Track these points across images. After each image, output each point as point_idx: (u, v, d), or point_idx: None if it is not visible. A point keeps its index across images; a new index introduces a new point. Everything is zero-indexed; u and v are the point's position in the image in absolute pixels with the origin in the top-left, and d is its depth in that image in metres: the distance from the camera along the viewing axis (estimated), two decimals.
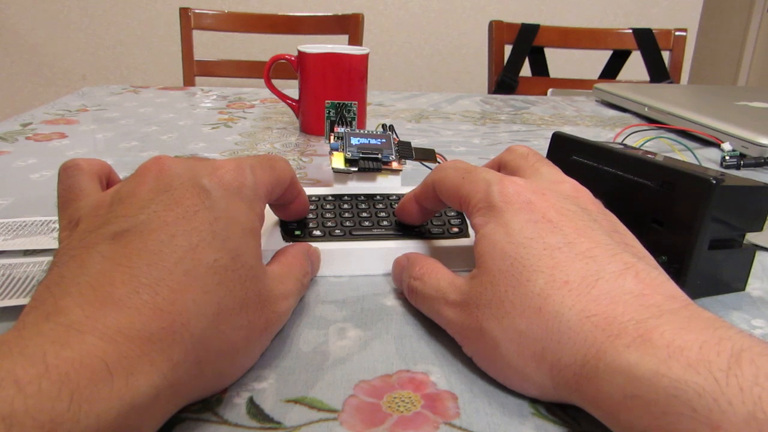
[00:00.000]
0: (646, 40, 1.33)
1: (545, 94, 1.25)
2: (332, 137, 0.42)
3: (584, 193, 0.28)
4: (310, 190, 0.39)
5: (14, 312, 0.28)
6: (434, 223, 0.36)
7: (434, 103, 0.89)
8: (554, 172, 0.29)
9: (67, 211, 0.25)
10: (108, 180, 0.28)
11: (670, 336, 0.19)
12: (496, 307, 0.24)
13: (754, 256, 0.33)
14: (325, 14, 1.39)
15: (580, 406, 0.22)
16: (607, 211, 0.27)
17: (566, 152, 0.37)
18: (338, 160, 0.40)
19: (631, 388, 0.19)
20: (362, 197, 0.39)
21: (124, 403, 0.17)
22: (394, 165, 0.40)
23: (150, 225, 0.21)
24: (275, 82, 0.69)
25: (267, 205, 0.31)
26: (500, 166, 0.32)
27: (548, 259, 0.23)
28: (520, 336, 0.23)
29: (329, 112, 0.50)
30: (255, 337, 0.24)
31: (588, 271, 0.23)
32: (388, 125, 0.44)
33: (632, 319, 0.21)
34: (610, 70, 1.38)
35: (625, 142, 0.62)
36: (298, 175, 0.51)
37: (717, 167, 0.59)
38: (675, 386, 0.18)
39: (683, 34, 1.35)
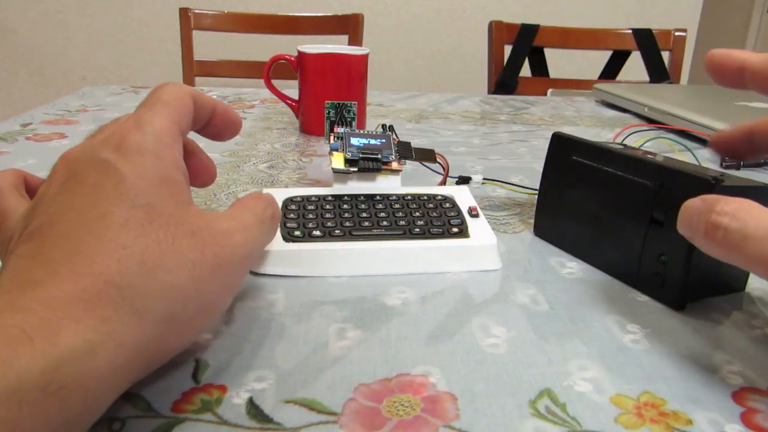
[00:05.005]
0: (646, 41, 1.33)
1: (545, 95, 1.25)
2: (332, 137, 0.42)
3: None
4: (310, 191, 0.39)
5: None
6: (434, 223, 0.36)
7: (434, 103, 0.89)
8: None
9: None
10: (27, 184, 0.28)
11: None
12: None
13: None
14: (325, 14, 1.39)
15: None
16: None
17: (566, 152, 0.37)
18: (338, 161, 0.40)
19: None
20: (362, 197, 0.39)
21: (50, 358, 0.17)
22: (394, 165, 0.40)
23: (59, 212, 0.22)
24: (275, 82, 0.69)
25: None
26: None
27: None
28: None
29: (329, 112, 0.50)
30: (205, 275, 0.23)
31: None
32: (387, 125, 0.44)
33: None
34: (610, 71, 1.38)
35: (625, 142, 0.62)
36: (297, 176, 0.51)
37: (717, 167, 0.59)
38: None
39: (683, 34, 1.35)
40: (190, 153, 0.29)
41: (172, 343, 0.23)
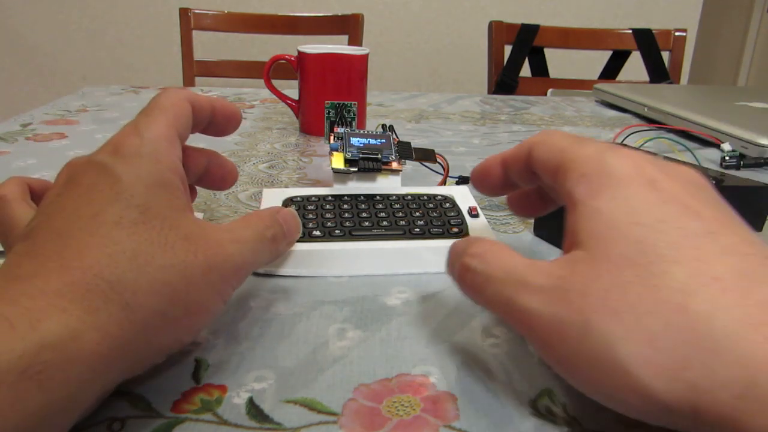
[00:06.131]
0: (646, 41, 1.33)
1: (545, 95, 1.25)
2: (332, 137, 0.42)
3: (708, 183, 0.23)
4: (310, 190, 0.39)
5: None
6: (434, 223, 0.36)
7: (434, 104, 0.89)
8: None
9: (7, 242, 0.26)
10: (32, 190, 0.29)
11: None
12: (615, 300, 0.19)
13: None
14: (325, 14, 1.39)
15: None
16: None
17: None
18: (338, 161, 0.40)
19: None
20: (362, 197, 0.39)
21: (30, 343, 0.17)
22: (394, 165, 0.40)
23: (55, 212, 0.22)
24: (275, 82, 0.69)
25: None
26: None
27: (690, 249, 0.19)
28: (651, 338, 0.18)
29: (329, 112, 0.50)
30: (197, 276, 0.23)
31: (743, 270, 0.18)
32: (388, 125, 0.44)
33: None
34: (610, 71, 1.38)
35: (625, 142, 0.62)
36: (297, 176, 0.51)
37: (717, 167, 0.59)
38: None
39: (683, 34, 1.35)
40: (210, 110, 0.29)
41: (163, 341, 0.23)
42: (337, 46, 0.67)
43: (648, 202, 0.20)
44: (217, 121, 0.30)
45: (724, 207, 0.22)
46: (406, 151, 0.42)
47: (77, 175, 0.23)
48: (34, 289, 0.19)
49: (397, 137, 0.43)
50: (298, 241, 0.34)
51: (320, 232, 0.34)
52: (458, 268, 0.25)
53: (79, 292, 0.19)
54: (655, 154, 0.35)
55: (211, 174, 0.31)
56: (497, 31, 1.34)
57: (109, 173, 0.23)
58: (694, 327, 0.18)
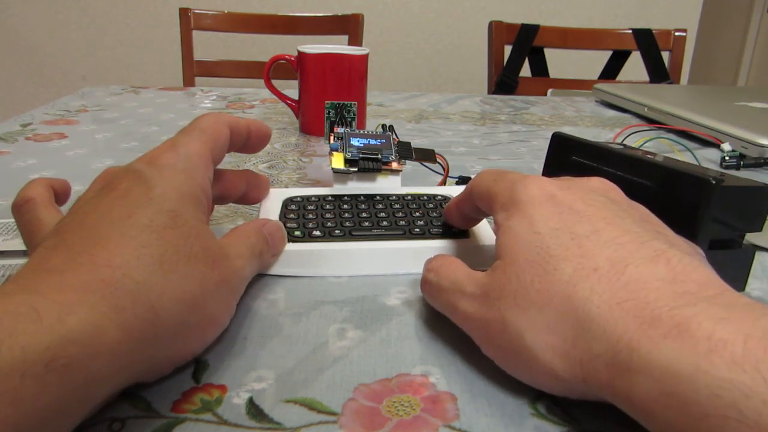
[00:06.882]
0: (646, 41, 1.33)
1: (545, 95, 1.25)
2: (332, 137, 0.42)
3: (612, 187, 0.27)
4: (310, 191, 0.39)
5: None
6: (434, 223, 0.36)
7: (434, 104, 0.89)
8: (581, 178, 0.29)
9: (33, 243, 0.27)
10: (56, 193, 0.30)
11: (710, 327, 0.18)
12: (521, 298, 0.23)
13: (753, 257, 0.33)
14: (325, 14, 1.39)
15: (616, 404, 0.20)
16: (637, 204, 0.27)
17: (566, 152, 0.37)
18: (338, 161, 0.40)
19: (669, 384, 0.18)
20: (362, 197, 0.39)
21: (56, 336, 0.17)
22: (394, 165, 0.40)
23: (88, 211, 0.23)
24: (275, 82, 0.69)
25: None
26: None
27: (576, 248, 0.23)
28: (548, 326, 0.22)
29: (329, 112, 0.50)
30: (212, 288, 0.24)
31: (617, 258, 0.22)
32: (387, 125, 0.44)
33: (666, 305, 0.19)
34: (610, 71, 1.38)
35: (624, 142, 0.62)
36: (297, 176, 0.51)
37: (717, 167, 0.59)
38: (718, 385, 0.16)
39: (683, 34, 1.35)
40: (246, 132, 0.32)
41: (178, 349, 0.23)
42: (337, 46, 0.67)
43: (546, 215, 0.24)
44: (252, 142, 0.32)
45: (617, 205, 0.25)
46: (406, 151, 0.42)
47: (114, 181, 0.24)
48: (63, 283, 0.19)
49: (397, 137, 0.43)
50: (298, 241, 0.34)
51: (320, 232, 0.34)
52: (421, 281, 0.30)
53: (108, 289, 0.20)
54: (655, 154, 0.35)
55: (247, 194, 0.35)
56: (497, 31, 1.34)
57: (144, 180, 0.24)
58: (576, 313, 0.21)
